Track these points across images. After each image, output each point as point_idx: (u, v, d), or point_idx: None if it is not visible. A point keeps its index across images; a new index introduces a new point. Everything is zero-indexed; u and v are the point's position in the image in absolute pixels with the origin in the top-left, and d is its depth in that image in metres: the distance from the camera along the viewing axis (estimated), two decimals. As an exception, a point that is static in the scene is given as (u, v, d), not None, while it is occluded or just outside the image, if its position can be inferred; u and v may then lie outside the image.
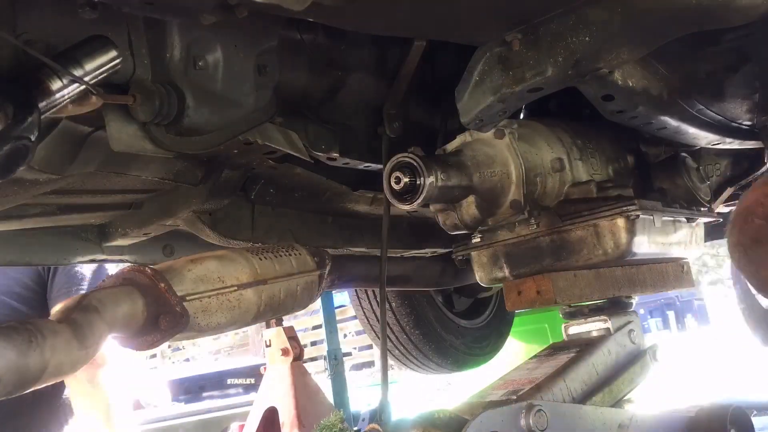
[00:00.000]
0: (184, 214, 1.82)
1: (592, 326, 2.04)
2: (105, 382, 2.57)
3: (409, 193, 1.53)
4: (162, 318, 1.09)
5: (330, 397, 4.17)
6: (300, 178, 1.90)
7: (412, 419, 1.58)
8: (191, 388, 7.42)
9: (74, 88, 1.10)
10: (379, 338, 3.17)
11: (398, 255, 2.52)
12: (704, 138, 1.55)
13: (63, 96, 1.09)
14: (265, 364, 4.14)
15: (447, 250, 2.46)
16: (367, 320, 3.47)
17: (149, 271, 1.11)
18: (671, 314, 14.38)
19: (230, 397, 7.22)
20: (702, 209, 1.73)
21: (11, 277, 2.60)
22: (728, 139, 1.59)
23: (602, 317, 2.02)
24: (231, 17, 1.09)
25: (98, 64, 1.13)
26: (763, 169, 1.66)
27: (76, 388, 2.57)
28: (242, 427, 4.45)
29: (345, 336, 6.87)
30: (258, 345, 7.90)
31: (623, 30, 1.17)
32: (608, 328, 2.00)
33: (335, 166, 1.79)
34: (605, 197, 1.64)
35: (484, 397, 1.74)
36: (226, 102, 1.40)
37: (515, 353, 3.97)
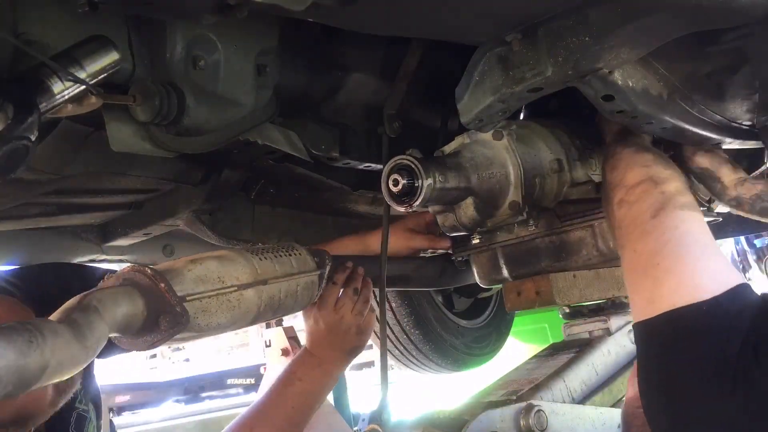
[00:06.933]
0: (184, 214, 1.82)
1: (592, 326, 2.04)
2: None
3: (407, 195, 1.52)
4: (162, 318, 1.09)
5: (330, 397, 4.16)
6: (300, 178, 1.90)
7: (412, 419, 1.58)
8: (191, 388, 7.41)
9: (74, 88, 1.10)
10: (379, 338, 3.17)
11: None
12: (704, 138, 1.54)
13: (63, 96, 1.09)
14: (265, 364, 4.14)
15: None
16: (367, 320, 3.46)
17: (149, 271, 1.11)
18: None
19: (230, 397, 7.20)
20: (701, 209, 1.73)
21: None
22: (728, 139, 1.58)
23: (602, 317, 2.03)
24: (231, 17, 1.09)
25: (98, 64, 1.13)
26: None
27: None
28: (242, 427, 4.44)
29: (345, 336, 6.84)
30: (258, 345, 7.88)
31: (623, 30, 1.17)
32: (608, 329, 2.01)
33: (335, 166, 1.79)
34: (605, 197, 1.64)
35: (484, 397, 1.74)
36: (226, 102, 1.40)
37: (515, 353, 3.97)
